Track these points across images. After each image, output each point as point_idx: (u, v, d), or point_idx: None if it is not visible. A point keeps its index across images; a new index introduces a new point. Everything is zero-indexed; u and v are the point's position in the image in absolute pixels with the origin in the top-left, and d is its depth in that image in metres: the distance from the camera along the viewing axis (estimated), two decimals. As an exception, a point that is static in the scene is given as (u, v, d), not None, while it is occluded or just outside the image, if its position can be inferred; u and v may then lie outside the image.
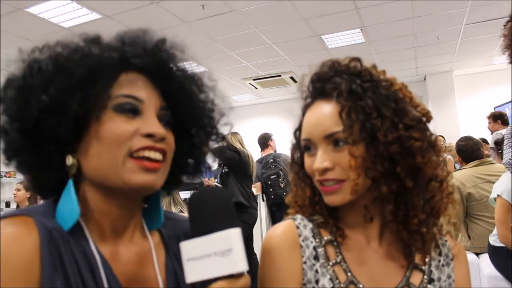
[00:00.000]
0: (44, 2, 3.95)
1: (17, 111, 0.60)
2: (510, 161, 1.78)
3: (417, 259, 0.75)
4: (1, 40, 4.41)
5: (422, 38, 5.63)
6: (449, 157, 5.32)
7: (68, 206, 0.60)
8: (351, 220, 0.77)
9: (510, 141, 1.78)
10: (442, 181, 0.73)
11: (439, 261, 0.76)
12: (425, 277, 0.74)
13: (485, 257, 2.70)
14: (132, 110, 0.62)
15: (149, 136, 0.61)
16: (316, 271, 0.72)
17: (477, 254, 2.93)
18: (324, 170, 0.69)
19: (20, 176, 7.18)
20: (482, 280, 2.73)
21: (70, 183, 0.62)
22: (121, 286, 0.62)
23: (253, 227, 3.98)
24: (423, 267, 0.74)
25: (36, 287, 0.54)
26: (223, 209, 0.58)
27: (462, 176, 2.99)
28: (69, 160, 0.62)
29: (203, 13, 4.42)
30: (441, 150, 0.74)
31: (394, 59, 6.50)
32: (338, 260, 0.73)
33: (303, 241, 0.74)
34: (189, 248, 0.57)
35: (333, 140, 0.70)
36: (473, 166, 3.04)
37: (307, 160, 0.75)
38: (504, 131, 1.82)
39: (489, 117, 4.75)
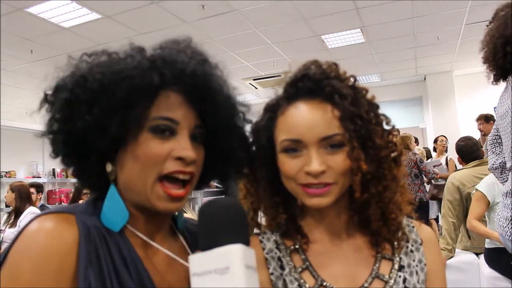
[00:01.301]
0: (44, 2, 3.95)
1: (63, 123, 0.65)
2: (493, 166, 1.78)
3: (385, 249, 0.76)
4: (1, 40, 4.42)
5: (422, 38, 5.63)
6: (450, 157, 5.33)
7: (116, 210, 0.66)
8: (316, 224, 0.78)
9: (492, 147, 1.79)
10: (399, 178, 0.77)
11: (407, 247, 0.77)
12: (395, 265, 0.75)
13: (485, 257, 2.70)
14: (167, 131, 0.66)
15: (180, 158, 0.65)
16: (284, 280, 0.73)
17: (477, 254, 2.92)
18: (320, 173, 0.69)
19: (20, 176, 7.13)
20: (482, 280, 2.72)
21: (113, 188, 0.68)
22: (152, 281, 0.65)
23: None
24: (391, 256, 0.76)
25: (69, 278, 0.59)
26: (228, 222, 0.57)
27: (461, 176, 2.99)
28: (109, 167, 0.68)
29: (203, 13, 4.42)
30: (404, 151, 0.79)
31: (394, 59, 6.49)
32: (304, 266, 0.74)
33: (267, 253, 0.76)
34: (195, 262, 0.56)
35: (328, 143, 0.69)
36: (472, 166, 3.04)
37: (289, 161, 0.71)
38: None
39: (480, 119, 4.78)
